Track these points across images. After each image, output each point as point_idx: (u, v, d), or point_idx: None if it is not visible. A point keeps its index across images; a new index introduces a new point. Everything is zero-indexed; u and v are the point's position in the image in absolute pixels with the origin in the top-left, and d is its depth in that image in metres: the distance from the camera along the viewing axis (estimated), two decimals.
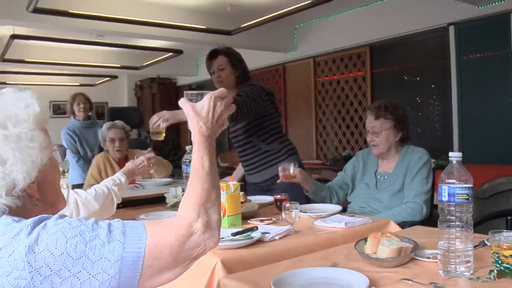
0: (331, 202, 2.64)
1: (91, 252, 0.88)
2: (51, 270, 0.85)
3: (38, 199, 1.03)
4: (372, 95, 5.81)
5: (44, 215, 0.93)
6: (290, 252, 1.74)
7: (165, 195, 2.68)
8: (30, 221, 0.89)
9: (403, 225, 2.20)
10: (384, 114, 2.50)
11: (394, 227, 2.10)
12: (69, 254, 0.87)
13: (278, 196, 2.31)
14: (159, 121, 2.41)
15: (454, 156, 1.37)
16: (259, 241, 1.83)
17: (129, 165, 2.48)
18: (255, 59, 7.31)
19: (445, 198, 1.35)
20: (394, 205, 2.42)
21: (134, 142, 4.16)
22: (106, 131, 3.61)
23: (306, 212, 2.27)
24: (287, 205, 1.99)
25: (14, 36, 5.68)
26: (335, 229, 2.01)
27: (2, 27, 5.90)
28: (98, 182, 3.38)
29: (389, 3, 5.34)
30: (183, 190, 2.51)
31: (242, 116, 2.67)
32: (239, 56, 2.95)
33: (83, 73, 8.96)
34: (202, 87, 9.33)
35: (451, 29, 4.83)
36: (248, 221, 2.16)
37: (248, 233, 1.87)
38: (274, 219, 2.17)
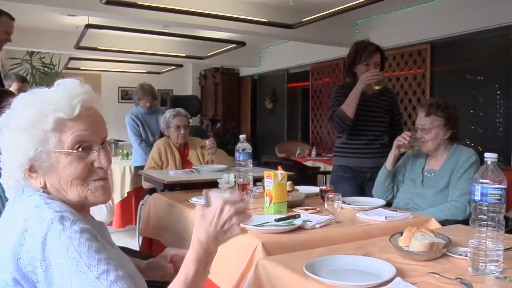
0: (392, 195, 2.69)
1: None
2: None
3: None
4: (431, 92, 5.68)
5: None
6: (328, 240, 1.79)
7: (218, 180, 2.76)
8: None
9: (445, 223, 2.20)
10: (436, 112, 2.50)
11: (434, 225, 2.10)
12: None
13: (324, 187, 2.41)
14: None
15: (490, 157, 1.38)
16: (300, 228, 1.90)
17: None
18: (316, 53, 7.36)
19: (477, 197, 1.36)
20: (438, 202, 2.42)
21: (193, 129, 4.32)
22: (171, 118, 3.74)
23: (350, 204, 2.34)
24: (330, 195, 2.07)
25: (88, 26, 5.98)
26: (375, 222, 2.05)
27: (78, 17, 6.31)
28: (158, 165, 3.63)
29: (451, 0, 5.20)
30: (235, 177, 2.66)
31: None
32: None
33: (150, 61, 9.25)
34: (265, 78, 9.44)
35: None
36: (293, 209, 2.22)
37: (291, 220, 1.94)
38: (318, 208, 2.22)
